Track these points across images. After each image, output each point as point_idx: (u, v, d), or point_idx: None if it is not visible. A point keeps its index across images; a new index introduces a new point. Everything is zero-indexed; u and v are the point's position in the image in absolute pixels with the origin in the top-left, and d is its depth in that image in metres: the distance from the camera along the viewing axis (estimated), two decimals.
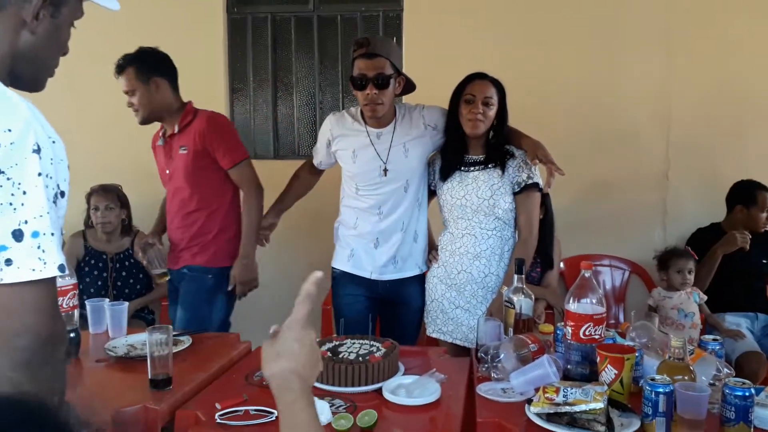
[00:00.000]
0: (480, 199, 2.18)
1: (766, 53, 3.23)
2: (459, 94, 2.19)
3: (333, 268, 2.41)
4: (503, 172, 2.19)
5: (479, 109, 2.15)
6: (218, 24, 3.59)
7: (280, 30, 3.66)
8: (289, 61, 3.67)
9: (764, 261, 3.03)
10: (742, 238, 2.90)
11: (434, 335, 2.32)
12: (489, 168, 2.21)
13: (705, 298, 2.90)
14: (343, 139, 2.33)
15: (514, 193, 2.22)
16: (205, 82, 3.63)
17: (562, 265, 3.04)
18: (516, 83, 3.19)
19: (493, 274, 2.21)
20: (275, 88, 3.71)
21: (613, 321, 3.19)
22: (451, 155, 2.26)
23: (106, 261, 3.16)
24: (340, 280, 2.38)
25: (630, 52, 3.31)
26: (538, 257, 3.04)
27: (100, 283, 3.13)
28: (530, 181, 2.18)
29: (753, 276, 3.00)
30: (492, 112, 2.17)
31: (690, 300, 2.86)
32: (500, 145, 2.23)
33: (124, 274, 3.17)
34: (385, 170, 2.24)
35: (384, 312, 2.37)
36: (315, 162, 2.54)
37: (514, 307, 1.91)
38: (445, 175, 2.27)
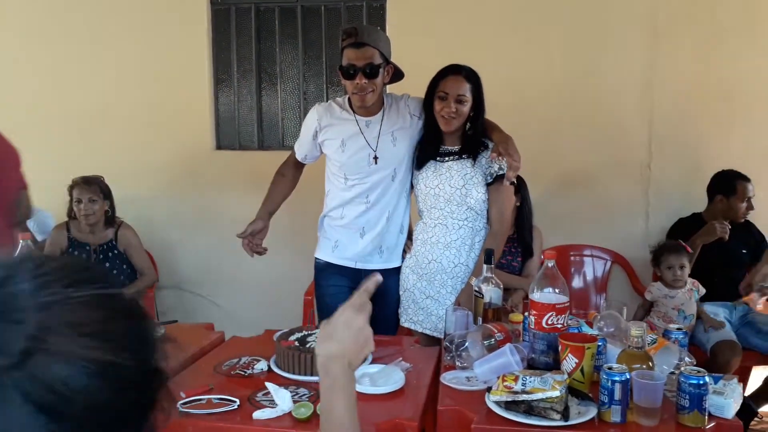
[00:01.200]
0: (452, 188, 2.19)
1: (748, 45, 3.22)
2: (433, 88, 2.19)
3: (316, 258, 2.42)
4: (475, 162, 2.19)
5: (452, 108, 2.16)
6: (202, 14, 3.58)
7: (264, 20, 3.65)
8: (273, 52, 3.67)
9: (743, 251, 3.03)
10: (722, 229, 2.90)
11: (406, 325, 2.33)
12: (462, 158, 2.22)
13: (704, 291, 2.87)
14: (331, 129, 2.30)
15: (487, 184, 2.22)
16: (189, 73, 3.63)
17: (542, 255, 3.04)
18: (498, 74, 3.20)
19: (462, 264, 2.22)
20: (259, 78, 3.70)
21: (593, 311, 3.19)
22: (427, 145, 2.27)
23: (90, 252, 3.17)
24: (324, 270, 2.38)
25: (613, 43, 3.30)
26: (518, 247, 3.05)
27: None
28: (501, 173, 2.19)
29: (732, 266, 3.01)
30: (466, 108, 2.17)
31: (691, 301, 2.83)
32: (476, 137, 2.23)
33: (107, 265, 3.18)
34: (376, 158, 2.25)
35: None
36: (299, 157, 2.47)
37: (483, 297, 1.92)
38: (420, 164, 2.28)
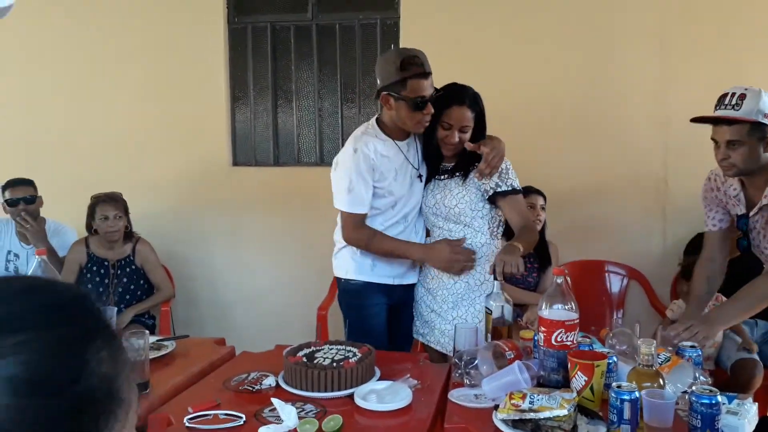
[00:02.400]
0: (447, 207, 2.19)
1: (763, 51, 3.17)
2: (437, 113, 2.15)
3: (350, 280, 2.30)
4: (466, 180, 2.18)
5: (455, 138, 2.16)
6: (219, 34, 3.65)
7: (280, 39, 3.71)
8: (289, 70, 3.72)
9: (765, 266, 2.96)
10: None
11: (414, 336, 2.36)
12: (456, 176, 2.22)
13: None
14: (384, 163, 2.17)
15: (490, 200, 2.20)
16: (206, 91, 3.70)
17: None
18: (511, 87, 3.22)
19: (462, 280, 2.21)
20: (275, 95, 3.75)
21: (606, 328, 3.14)
22: (428, 164, 2.28)
23: (108, 267, 3.22)
24: (363, 291, 2.28)
25: (625, 54, 3.28)
26: (534, 261, 3.03)
27: (101, 289, 3.19)
28: (499, 189, 2.17)
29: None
30: (468, 135, 2.17)
31: None
32: (470, 154, 2.20)
33: (125, 280, 3.23)
34: (420, 176, 2.24)
35: (391, 316, 2.36)
36: (365, 211, 2.20)
37: (491, 313, 1.90)
38: (425, 184, 2.29)
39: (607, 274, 3.34)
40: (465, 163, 2.21)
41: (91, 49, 3.75)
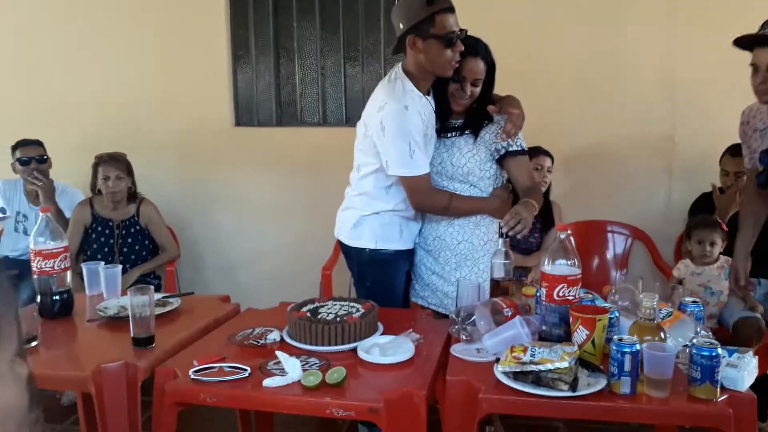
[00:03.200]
0: (454, 166, 2.16)
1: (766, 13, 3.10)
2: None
3: (381, 250, 2.20)
4: (477, 138, 2.15)
5: (467, 91, 2.10)
6: None
7: None
8: (291, 28, 3.65)
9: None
10: (737, 195, 2.84)
11: (413, 299, 2.32)
12: (465, 134, 2.17)
13: None
14: (426, 117, 2.07)
15: (498, 160, 2.18)
16: (207, 51, 3.64)
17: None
18: (518, 47, 3.16)
19: (466, 241, 2.19)
20: (277, 54, 3.70)
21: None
22: (437, 121, 2.22)
23: (113, 228, 3.23)
24: (392, 260, 2.22)
25: (633, 14, 3.21)
26: (536, 222, 3.02)
27: (106, 249, 3.21)
28: (511, 149, 2.14)
29: (756, 241, 2.94)
30: (479, 89, 2.11)
31: (720, 277, 2.75)
32: (480, 111, 2.17)
33: (129, 240, 3.24)
34: (438, 131, 2.17)
35: None
36: (428, 171, 2.11)
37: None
38: None
39: (611, 234, 3.33)
40: (475, 121, 2.16)
41: (91, 9, 3.69)
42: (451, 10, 2.00)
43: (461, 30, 2.01)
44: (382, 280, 2.23)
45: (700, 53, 3.18)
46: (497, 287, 1.88)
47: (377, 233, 2.20)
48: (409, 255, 2.28)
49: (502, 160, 2.18)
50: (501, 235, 1.93)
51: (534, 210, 1.98)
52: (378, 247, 2.20)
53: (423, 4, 1.97)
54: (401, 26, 2.03)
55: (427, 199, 2.12)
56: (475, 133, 2.15)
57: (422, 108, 2.06)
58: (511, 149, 2.15)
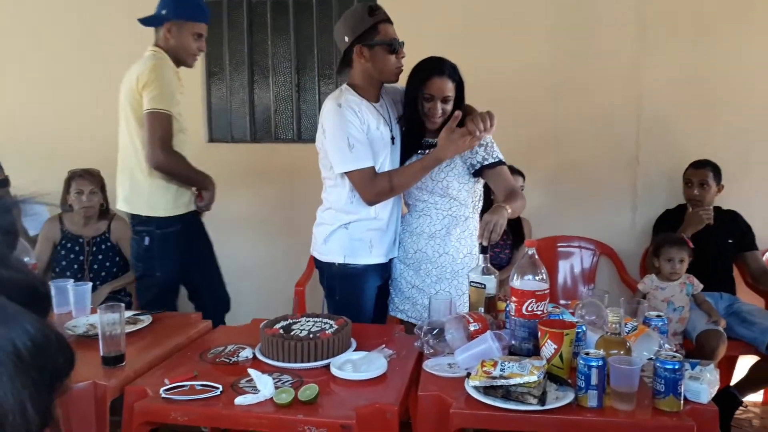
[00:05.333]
0: (434, 181, 2.20)
1: (733, 36, 3.23)
2: (417, 85, 2.16)
3: (350, 265, 2.22)
4: None
5: (438, 110, 2.16)
6: None
7: (256, 14, 3.67)
8: (266, 45, 3.68)
9: (729, 241, 3.05)
10: (706, 215, 2.93)
11: (392, 313, 2.35)
12: None
13: (701, 287, 2.83)
14: (367, 121, 2.15)
15: (475, 173, 2.22)
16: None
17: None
18: (488, 65, 3.23)
19: (447, 254, 2.23)
20: (252, 71, 3.72)
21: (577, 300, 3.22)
22: (410, 138, 2.27)
23: (83, 245, 3.19)
24: (362, 275, 2.23)
25: (601, 35, 3.32)
26: (508, 239, 3.08)
27: (76, 266, 3.16)
28: (486, 162, 2.19)
29: (718, 256, 3.03)
30: (450, 106, 2.17)
31: (682, 293, 2.82)
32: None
33: (100, 257, 3.20)
34: (393, 138, 2.22)
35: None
36: (371, 165, 2.13)
37: (485, 287, 1.93)
38: (405, 159, 2.27)
39: (578, 250, 3.40)
40: None
41: (65, 22, 3.67)
42: (390, 21, 2.15)
43: (401, 41, 2.14)
44: (351, 295, 2.25)
45: (665, 75, 3.29)
46: (492, 302, 1.91)
47: (346, 248, 2.22)
48: (380, 269, 2.29)
49: (481, 173, 2.22)
50: (481, 250, 1.96)
51: (504, 212, 1.99)
52: (347, 262, 2.22)
53: (366, 15, 2.11)
54: (346, 39, 2.15)
55: (372, 189, 2.13)
56: None
57: (361, 108, 2.13)
58: (487, 162, 2.19)
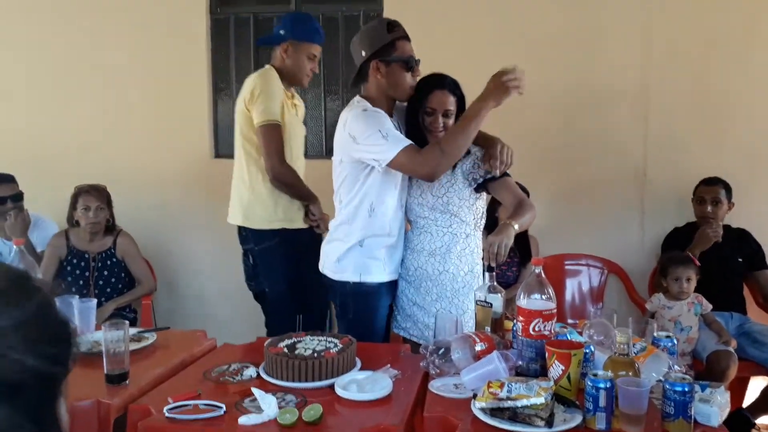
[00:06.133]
0: (434, 197, 2.19)
1: (740, 50, 3.23)
2: (418, 100, 2.17)
3: (365, 283, 2.19)
4: (455, 169, 2.19)
5: (440, 123, 2.16)
6: (201, 24, 3.63)
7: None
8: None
9: (739, 260, 3.02)
10: (714, 233, 2.90)
11: (395, 331, 2.33)
12: None
13: (710, 307, 2.80)
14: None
15: (479, 188, 2.20)
16: (188, 82, 3.67)
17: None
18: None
19: (447, 271, 2.21)
20: None
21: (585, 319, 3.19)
22: None
23: (89, 260, 3.19)
24: (378, 293, 2.22)
25: (608, 49, 3.32)
26: (514, 256, 3.06)
27: (81, 282, 3.16)
28: (491, 175, 2.17)
29: (728, 275, 3.00)
30: (452, 120, 2.18)
31: (690, 313, 2.80)
32: None
33: (105, 273, 3.20)
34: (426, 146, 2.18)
35: None
36: (410, 142, 2.08)
37: (491, 306, 1.91)
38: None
39: (586, 268, 3.38)
40: None
41: (71, 36, 3.70)
42: (408, 38, 2.16)
43: (418, 59, 2.15)
44: (365, 314, 2.23)
45: (672, 91, 3.28)
46: (499, 322, 1.90)
47: (360, 266, 2.20)
48: (392, 287, 2.28)
49: (486, 188, 2.21)
50: (487, 268, 1.94)
51: (511, 230, 1.97)
52: (362, 280, 2.20)
53: (384, 31, 2.12)
54: (363, 53, 2.15)
55: (425, 161, 2.04)
56: (452, 166, 2.18)
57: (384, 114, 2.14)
58: (490, 176, 2.18)
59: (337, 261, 2.23)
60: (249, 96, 2.59)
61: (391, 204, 2.19)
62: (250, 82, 2.63)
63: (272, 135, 2.55)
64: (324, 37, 2.71)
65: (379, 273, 2.21)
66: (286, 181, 2.61)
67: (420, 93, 2.16)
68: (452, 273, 2.21)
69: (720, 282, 2.95)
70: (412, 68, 2.14)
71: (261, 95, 2.55)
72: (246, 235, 2.73)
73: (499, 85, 2.01)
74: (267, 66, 2.69)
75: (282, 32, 2.63)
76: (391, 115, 2.21)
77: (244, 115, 2.63)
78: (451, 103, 2.16)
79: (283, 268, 2.70)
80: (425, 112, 2.16)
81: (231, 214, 2.77)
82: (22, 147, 3.74)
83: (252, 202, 2.66)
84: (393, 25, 2.15)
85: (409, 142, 2.07)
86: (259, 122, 2.55)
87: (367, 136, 2.07)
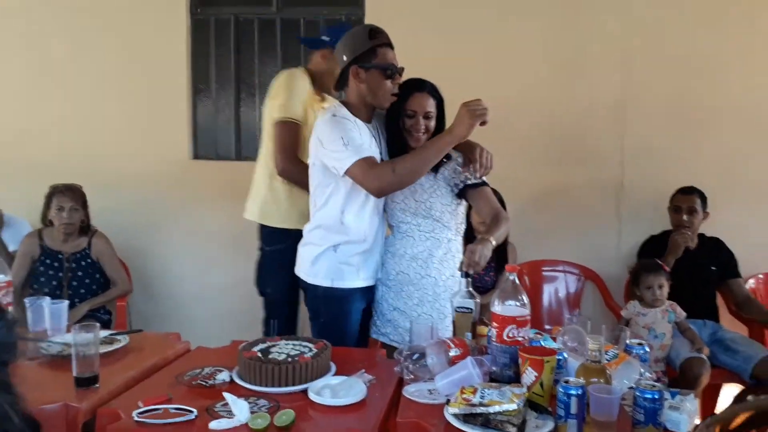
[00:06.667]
0: (417, 202, 2.20)
1: (714, 66, 3.30)
2: (398, 104, 2.17)
3: (336, 288, 2.19)
4: (437, 174, 2.20)
5: (421, 125, 2.16)
6: (181, 25, 3.60)
7: (244, 31, 3.68)
8: (252, 63, 3.69)
9: (713, 268, 3.06)
10: (683, 238, 2.95)
11: (374, 336, 2.32)
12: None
13: (683, 315, 2.83)
14: (365, 137, 2.13)
15: (459, 194, 2.22)
16: (168, 82, 3.64)
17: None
18: (473, 90, 3.21)
19: (429, 276, 2.21)
20: (238, 89, 3.72)
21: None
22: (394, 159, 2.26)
23: (62, 261, 3.14)
24: (350, 297, 2.21)
25: (588, 62, 3.37)
26: (491, 261, 3.06)
27: (55, 282, 3.11)
28: (470, 182, 2.18)
29: (702, 283, 3.04)
30: (433, 123, 2.18)
31: (663, 320, 2.83)
32: None
33: (80, 273, 3.16)
34: (382, 161, 2.18)
35: None
36: (370, 155, 2.08)
37: (471, 311, 1.91)
38: None
39: (563, 274, 3.40)
40: None
41: (51, 37, 3.65)
42: (390, 46, 2.15)
43: (400, 68, 2.13)
44: (337, 318, 2.22)
45: (650, 103, 3.33)
46: (476, 327, 1.90)
47: (333, 271, 2.19)
48: (366, 292, 2.27)
49: (464, 194, 2.22)
50: (463, 275, 1.94)
51: (489, 244, 1.98)
52: (334, 285, 2.20)
53: (366, 37, 2.12)
54: (345, 58, 2.15)
55: (374, 176, 2.05)
56: (435, 170, 2.19)
57: (356, 122, 2.12)
58: (470, 182, 2.19)
59: (310, 264, 2.23)
60: (272, 92, 2.60)
61: (365, 210, 2.18)
62: (276, 79, 2.64)
63: (285, 132, 2.51)
64: None
65: (352, 279, 2.21)
66: (293, 179, 2.56)
67: (400, 98, 2.16)
68: (434, 277, 2.21)
69: (693, 290, 2.99)
70: (391, 76, 2.12)
71: (281, 92, 2.55)
72: (261, 233, 2.72)
73: (465, 114, 2.01)
74: (299, 67, 2.69)
75: (326, 39, 2.61)
76: (369, 122, 2.21)
77: (267, 111, 2.62)
78: (431, 105, 2.17)
79: (286, 277, 2.57)
80: (406, 115, 2.16)
81: (248, 210, 2.74)
82: None
83: (268, 199, 2.64)
84: (375, 32, 2.14)
85: (367, 154, 2.06)
86: (275, 118, 2.53)
87: (330, 141, 2.09)
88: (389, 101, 2.15)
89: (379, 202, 2.23)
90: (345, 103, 2.20)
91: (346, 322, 2.22)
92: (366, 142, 2.12)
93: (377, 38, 2.12)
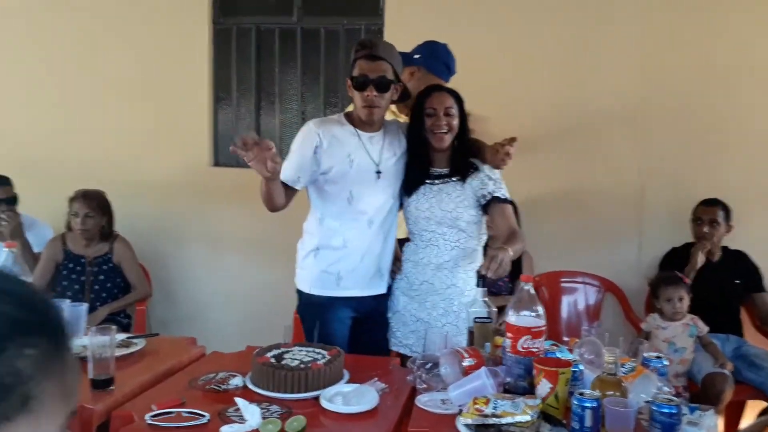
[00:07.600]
0: (443, 211, 2.18)
1: (738, 72, 3.24)
2: (419, 109, 2.18)
3: (314, 295, 2.22)
4: (464, 183, 2.19)
5: (443, 122, 2.15)
6: (203, 34, 3.65)
7: (264, 41, 3.71)
8: (273, 72, 3.72)
9: (737, 281, 3.00)
10: (701, 248, 2.90)
11: (395, 348, 2.28)
12: (453, 181, 2.21)
13: (706, 329, 2.78)
14: (335, 142, 2.16)
15: (483, 207, 2.21)
16: (189, 91, 3.69)
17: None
18: (492, 98, 3.23)
19: (454, 285, 2.19)
20: (258, 98, 3.75)
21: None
22: (416, 169, 2.25)
23: (84, 265, 3.19)
24: (329, 306, 2.20)
25: (607, 68, 3.32)
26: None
27: (77, 286, 3.15)
28: (496, 194, 2.17)
29: (725, 297, 2.98)
30: (455, 121, 2.17)
31: (684, 334, 2.77)
32: (464, 157, 2.22)
33: (101, 277, 3.20)
34: (378, 173, 2.20)
35: (357, 328, 2.28)
36: (289, 179, 2.14)
37: (491, 322, 1.90)
38: (411, 189, 2.25)
39: (583, 286, 3.35)
40: (461, 168, 2.20)
41: (74, 43, 3.73)
42: (370, 57, 2.13)
43: (380, 77, 2.11)
44: (319, 325, 2.18)
45: (671, 109, 3.28)
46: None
47: (313, 278, 2.23)
48: (353, 302, 2.23)
49: (486, 206, 2.20)
50: (480, 283, 1.92)
51: (508, 254, 1.95)
52: (312, 292, 2.24)
53: (353, 50, 2.18)
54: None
55: (263, 196, 2.13)
56: (463, 179, 2.19)
57: (332, 132, 2.16)
58: (496, 195, 2.18)
59: (298, 269, 2.30)
60: None
61: (345, 216, 2.19)
62: None
63: None
64: (452, 74, 2.62)
65: (331, 288, 2.21)
66: None
67: (420, 99, 2.20)
68: (459, 287, 2.19)
69: (717, 304, 2.93)
70: (359, 87, 2.12)
71: None
72: None
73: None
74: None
75: (416, 56, 2.62)
76: (375, 131, 2.22)
77: None
78: (451, 102, 2.18)
79: None
80: (427, 115, 2.17)
81: None
82: (21, 150, 3.76)
83: None
84: (362, 44, 2.16)
85: (284, 173, 2.09)
86: None
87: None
88: (362, 113, 2.16)
89: (361, 207, 2.20)
90: (347, 114, 2.25)
91: (328, 330, 2.18)
92: (339, 159, 2.15)
93: (359, 51, 2.15)
